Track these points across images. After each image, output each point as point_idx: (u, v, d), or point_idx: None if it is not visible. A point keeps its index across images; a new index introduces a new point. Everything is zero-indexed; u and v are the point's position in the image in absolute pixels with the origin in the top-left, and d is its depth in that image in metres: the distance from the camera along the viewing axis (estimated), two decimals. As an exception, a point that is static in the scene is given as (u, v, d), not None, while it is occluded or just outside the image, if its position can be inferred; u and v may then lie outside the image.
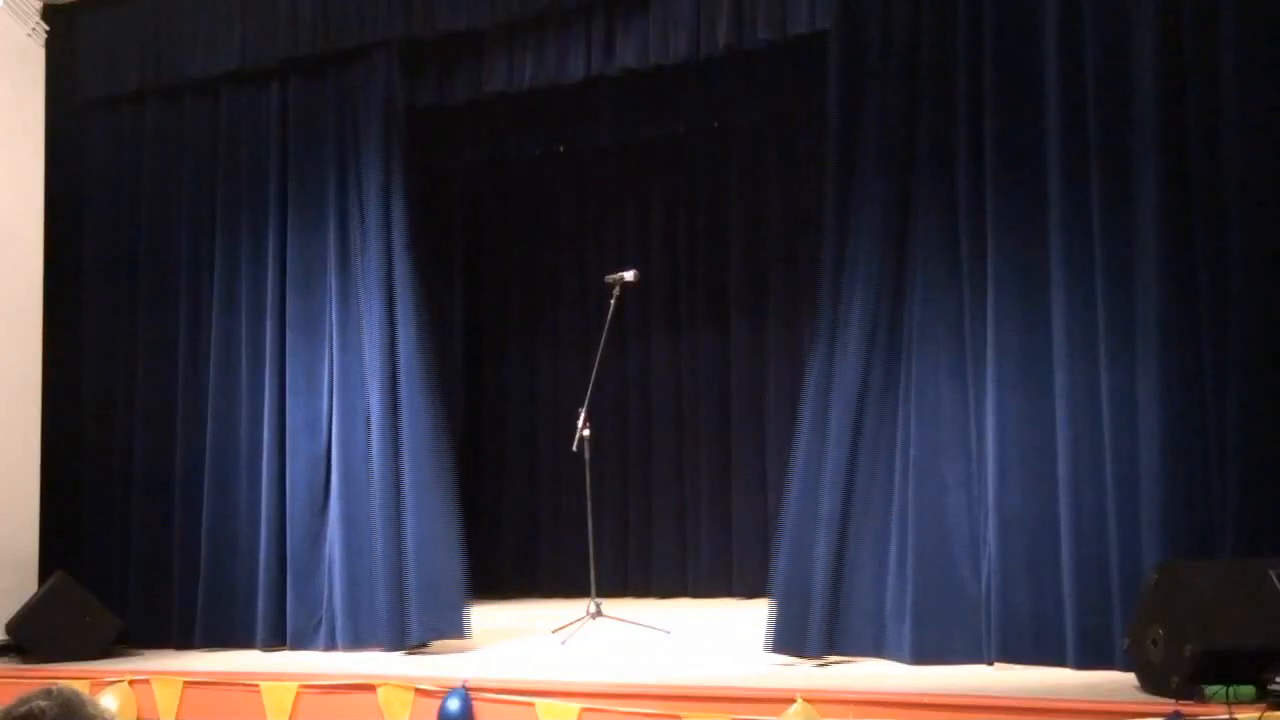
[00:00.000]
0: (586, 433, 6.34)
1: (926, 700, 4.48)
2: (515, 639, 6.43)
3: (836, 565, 5.22)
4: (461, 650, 6.04)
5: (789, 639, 5.26)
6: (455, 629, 6.07)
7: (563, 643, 5.92)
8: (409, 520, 6.12)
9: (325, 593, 6.38)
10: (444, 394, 6.60)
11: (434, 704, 5.06)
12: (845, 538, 5.24)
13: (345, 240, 6.54)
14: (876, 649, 5.23)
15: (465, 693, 5.02)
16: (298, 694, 5.38)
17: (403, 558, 6.09)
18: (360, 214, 6.47)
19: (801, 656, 5.23)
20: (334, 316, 6.53)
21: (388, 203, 6.41)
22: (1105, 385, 4.89)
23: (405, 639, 6.02)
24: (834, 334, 5.42)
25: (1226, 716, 3.91)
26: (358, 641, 6.20)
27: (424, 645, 6.05)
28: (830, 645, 5.22)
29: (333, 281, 6.54)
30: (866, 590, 5.25)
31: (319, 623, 6.37)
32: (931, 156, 5.37)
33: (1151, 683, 4.32)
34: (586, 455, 6.35)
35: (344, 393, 6.46)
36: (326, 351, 6.53)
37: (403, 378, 6.26)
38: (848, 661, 5.22)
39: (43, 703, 2.07)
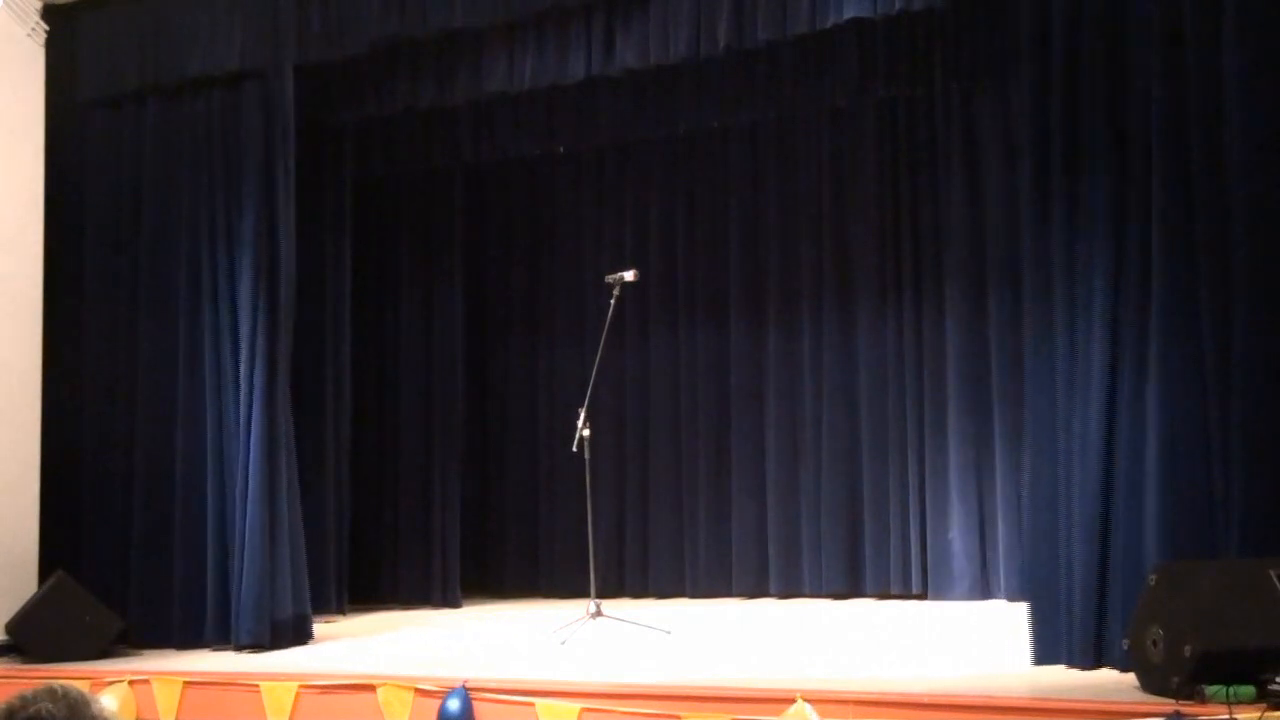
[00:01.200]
0: (586, 433, 6.33)
1: (926, 700, 4.48)
2: (515, 639, 6.44)
3: (1101, 571, 4.87)
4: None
5: (1051, 649, 4.96)
6: (285, 635, 6.35)
7: (563, 643, 5.92)
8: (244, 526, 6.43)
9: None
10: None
11: (434, 704, 5.04)
12: (1109, 542, 4.89)
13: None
14: None
15: (465, 693, 5.01)
16: (297, 694, 5.37)
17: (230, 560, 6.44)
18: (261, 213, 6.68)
19: (1070, 666, 4.90)
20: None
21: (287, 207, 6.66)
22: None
23: (228, 640, 6.36)
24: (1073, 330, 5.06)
25: (1226, 716, 3.91)
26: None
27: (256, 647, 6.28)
28: (1099, 656, 4.85)
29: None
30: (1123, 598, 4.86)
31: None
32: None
33: (1151, 683, 4.32)
34: (586, 455, 6.34)
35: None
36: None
37: (255, 386, 6.49)
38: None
39: (49, 705, 2.07)
